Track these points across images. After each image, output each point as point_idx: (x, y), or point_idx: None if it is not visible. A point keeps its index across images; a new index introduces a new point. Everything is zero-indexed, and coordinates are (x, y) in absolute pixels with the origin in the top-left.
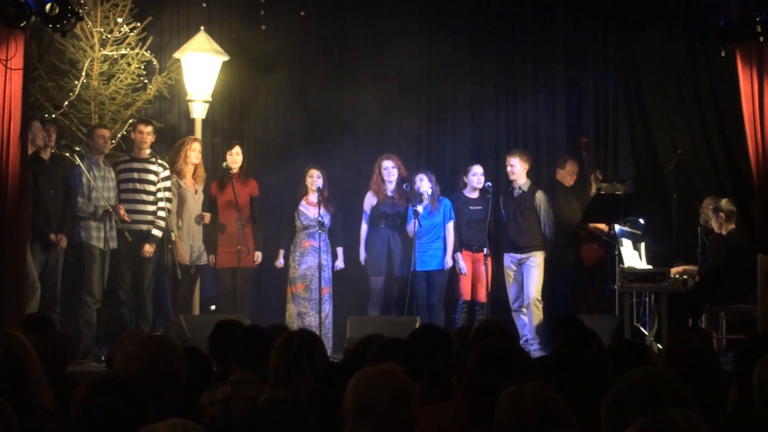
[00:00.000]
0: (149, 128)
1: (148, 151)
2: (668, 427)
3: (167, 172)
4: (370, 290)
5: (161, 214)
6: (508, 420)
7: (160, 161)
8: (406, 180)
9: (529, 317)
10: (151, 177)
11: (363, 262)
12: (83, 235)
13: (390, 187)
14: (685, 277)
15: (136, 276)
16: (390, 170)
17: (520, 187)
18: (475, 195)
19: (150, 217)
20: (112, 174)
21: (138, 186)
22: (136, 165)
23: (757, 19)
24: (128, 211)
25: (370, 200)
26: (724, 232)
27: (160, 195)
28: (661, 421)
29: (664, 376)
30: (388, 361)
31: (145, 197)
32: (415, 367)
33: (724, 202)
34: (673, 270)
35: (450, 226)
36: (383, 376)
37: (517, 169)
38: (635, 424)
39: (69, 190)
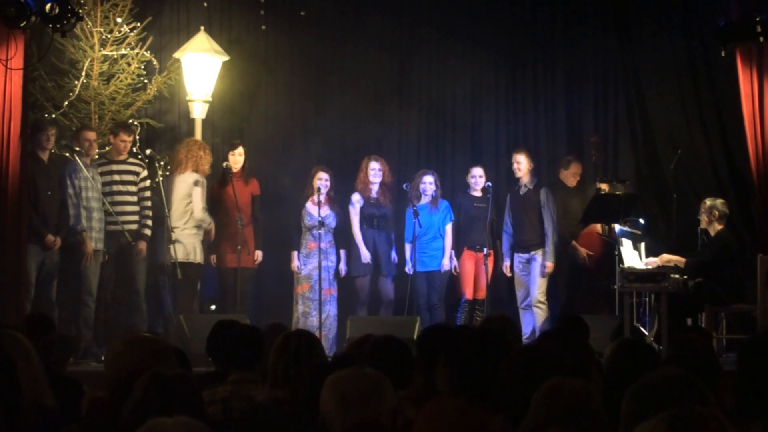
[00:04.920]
0: (131, 137)
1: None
2: (698, 423)
3: (146, 172)
4: (357, 291)
5: (147, 213)
6: (542, 410)
7: (137, 160)
8: (388, 184)
9: (533, 317)
10: (132, 177)
11: (368, 260)
12: (78, 235)
13: (374, 188)
14: (679, 276)
15: (128, 275)
16: (377, 171)
17: (525, 185)
18: (478, 194)
19: (135, 217)
20: (99, 176)
21: (121, 188)
22: (115, 167)
23: (757, 19)
24: (114, 213)
25: (359, 201)
26: (711, 232)
27: (142, 194)
28: (690, 416)
29: (688, 376)
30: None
31: (128, 198)
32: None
33: (719, 203)
34: (662, 259)
35: (449, 228)
36: (355, 373)
37: (524, 166)
38: (661, 417)
39: (65, 187)
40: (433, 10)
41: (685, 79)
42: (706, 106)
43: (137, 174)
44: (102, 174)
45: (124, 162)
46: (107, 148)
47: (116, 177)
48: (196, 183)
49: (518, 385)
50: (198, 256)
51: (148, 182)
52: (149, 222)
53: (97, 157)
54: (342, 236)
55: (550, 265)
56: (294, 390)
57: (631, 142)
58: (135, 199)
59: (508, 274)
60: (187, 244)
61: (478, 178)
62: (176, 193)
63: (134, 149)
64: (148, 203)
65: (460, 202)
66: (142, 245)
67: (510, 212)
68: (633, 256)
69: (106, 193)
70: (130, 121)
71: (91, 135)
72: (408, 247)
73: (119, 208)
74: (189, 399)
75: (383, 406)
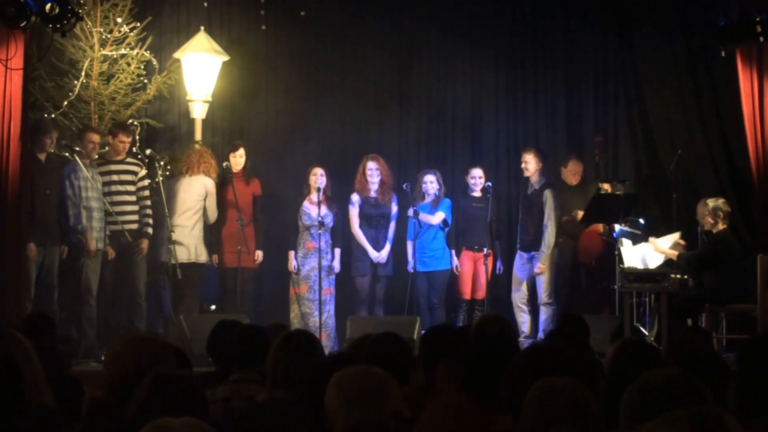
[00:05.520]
0: (130, 138)
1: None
2: (719, 422)
3: (144, 171)
4: (358, 290)
5: (148, 212)
6: (536, 411)
7: (135, 161)
8: (388, 183)
9: (528, 316)
10: (130, 177)
11: (381, 260)
12: (79, 234)
13: (373, 187)
14: (679, 276)
15: (129, 275)
16: (374, 171)
17: (532, 185)
18: (478, 194)
19: (135, 217)
20: (98, 176)
21: (120, 188)
22: (114, 167)
23: (757, 19)
24: (112, 213)
25: (358, 201)
26: (714, 231)
27: (141, 194)
28: (711, 415)
29: (686, 376)
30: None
31: (127, 197)
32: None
33: (722, 202)
34: (655, 246)
35: (438, 215)
36: (361, 372)
37: (531, 166)
38: (680, 416)
39: (65, 187)
40: (434, 10)
41: (685, 79)
42: (706, 106)
43: (135, 174)
44: (100, 174)
45: (122, 162)
46: (106, 148)
47: (115, 177)
48: (209, 188)
49: (525, 385)
50: (203, 257)
51: (146, 182)
52: (150, 221)
53: (96, 157)
54: (339, 236)
55: (540, 266)
56: (294, 390)
57: (631, 142)
58: (134, 198)
59: None
60: (197, 245)
61: (477, 179)
62: (188, 194)
63: (134, 149)
64: (148, 202)
65: (459, 202)
66: (144, 243)
67: (521, 210)
68: (633, 256)
69: (105, 193)
70: (130, 121)
71: (96, 137)
72: (409, 245)
73: (118, 208)
74: (192, 399)
75: (387, 408)
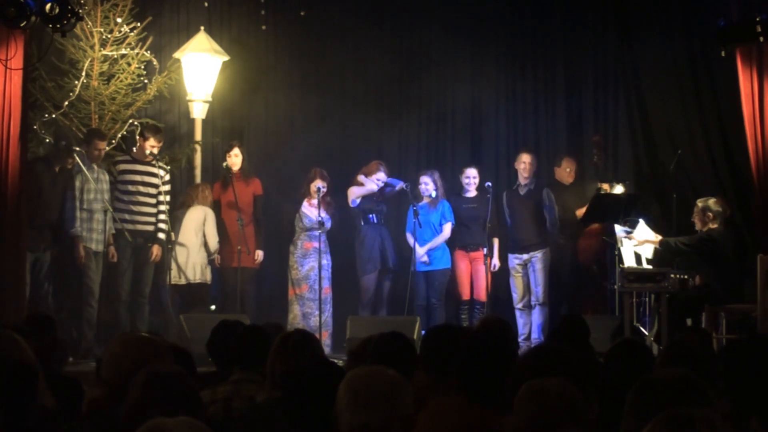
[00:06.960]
0: (161, 143)
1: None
2: (688, 425)
3: (168, 176)
4: (362, 291)
5: (163, 217)
6: (527, 413)
7: (161, 164)
8: (389, 185)
9: (535, 317)
10: (155, 180)
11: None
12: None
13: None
14: (679, 276)
15: (136, 276)
16: (381, 182)
17: (526, 185)
18: (472, 194)
19: (151, 219)
20: (106, 176)
21: (141, 189)
22: (139, 167)
23: (757, 19)
24: (131, 212)
25: (357, 198)
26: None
27: (161, 198)
28: (681, 417)
29: (691, 376)
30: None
31: (148, 199)
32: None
33: (712, 202)
34: (639, 240)
35: (447, 228)
36: (374, 373)
37: (529, 166)
38: (656, 419)
39: (65, 190)
40: (434, 10)
41: (685, 79)
42: (706, 106)
43: (160, 177)
44: (124, 172)
45: (149, 164)
46: (107, 148)
47: (137, 177)
48: (207, 214)
49: None
50: (208, 276)
51: (168, 186)
52: (164, 226)
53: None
54: (338, 238)
55: (546, 264)
56: None
57: (631, 142)
58: (154, 201)
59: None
60: (202, 263)
61: (471, 179)
62: (189, 221)
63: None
64: (165, 207)
65: (453, 203)
66: (156, 250)
67: (509, 211)
68: (633, 257)
69: (126, 192)
70: (135, 122)
71: (102, 145)
72: (409, 237)
73: (137, 209)
74: (186, 396)
75: (394, 412)
